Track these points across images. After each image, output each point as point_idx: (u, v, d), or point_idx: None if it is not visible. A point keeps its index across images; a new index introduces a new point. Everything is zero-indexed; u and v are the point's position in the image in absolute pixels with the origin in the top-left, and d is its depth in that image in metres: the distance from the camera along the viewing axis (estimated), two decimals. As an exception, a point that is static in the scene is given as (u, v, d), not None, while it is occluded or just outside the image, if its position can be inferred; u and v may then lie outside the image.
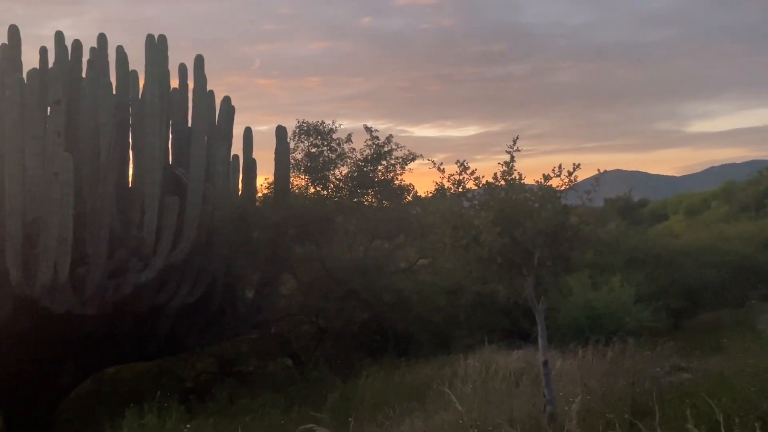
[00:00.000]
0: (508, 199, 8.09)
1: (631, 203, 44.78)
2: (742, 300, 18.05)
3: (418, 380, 11.80)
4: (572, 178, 8.39)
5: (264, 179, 17.03)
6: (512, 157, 8.39)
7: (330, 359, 16.04)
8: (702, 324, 19.28)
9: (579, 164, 8.29)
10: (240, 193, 16.21)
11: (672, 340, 12.47)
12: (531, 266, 8.02)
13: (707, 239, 24.19)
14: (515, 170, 8.42)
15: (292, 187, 17.08)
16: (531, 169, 8.63)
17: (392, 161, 17.82)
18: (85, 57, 14.45)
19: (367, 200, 18.11)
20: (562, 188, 8.44)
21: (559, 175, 8.40)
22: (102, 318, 13.13)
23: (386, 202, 18.14)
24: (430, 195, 17.44)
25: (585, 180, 8.69)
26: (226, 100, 16.15)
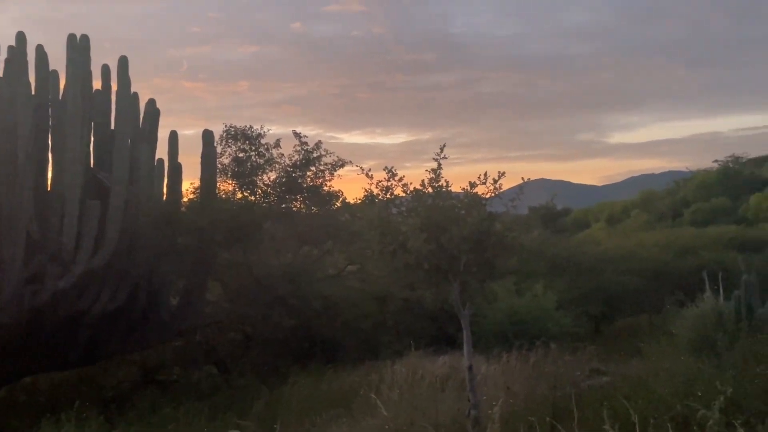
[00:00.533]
0: (435, 206, 8.18)
1: (554, 211, 45.99)
2: (659, 305, 18.69)
3: (346, 386, 11.81)
4: (497, 186, 8.54)
5: (190, 184, 16.77)
6: (439, 165, 8.49)
7: (257, 366, 15.88)
8: (621, 329, 19.94)
9: (504, 172, 8.45)
10: (165, 197, 15.90)
11: (592, 345, 12.82)
12: (457, 272, 8.13)
13: (627, 247, 25.02)
14: (442, 177, 8.53)
15: (219, 192, 16.86)
16: (459, 177, 8.77)
17: (321, 167, 17.78)
18: (3, 56, 13.93)
19: (295, 206, 18.02)
20: (488, 196, 8.58)
21: (484, 183, 8.54)
22: (18, 325, 12.67)
23: (315, 208, 18.09)
24: (359, 201, 17.48)
25: (510, 188, 8.87)
26: (151, 102, 15.83)
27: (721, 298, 11.65)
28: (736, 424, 5.31)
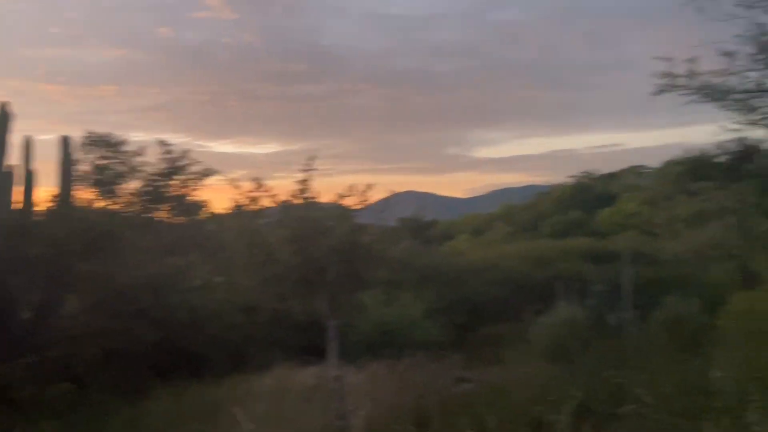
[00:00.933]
0: (304, 218, 8.21)
1: (422, 223, 46.90)
2: (520, 314, 19.52)
3: (211, 401, 11.55)
4: (365, 197, 8.67)
5: (46, 192, 15.91)
6: (308, 176, 8.52)
7: (117, 382, 15.21)
8: (484, 337, 20.58)
9: (371, 185, 8.61)
10: (17, 205, 15.00)
11: (457, 353, 13.21)
12: (325, 283, 8.18)
13: (490, 258, 25.94)
14: (311, 189, 8.57)
15: (78, 201, 16.09)
16: (330, 188, 8.84)
17: (188, 176, 17.38)
18: None
19: (160, 215, 17.50)
20: (356, 207, 8.70)
21: (353, 195, 8.65)
22: None
23: (181, 218, 17.64)
24: (227, 212, 17.22)
25: (381, 200, 9.02)
26: (4, 105, 14.91)
27: (575, 306, 12.35)
28: (585, 427, 5.63)
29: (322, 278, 8.12)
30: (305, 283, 8.18)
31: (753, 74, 6.78)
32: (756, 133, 7.26)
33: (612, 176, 55.47)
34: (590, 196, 51.08)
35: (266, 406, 8.93)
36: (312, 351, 15.67)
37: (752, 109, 7.11)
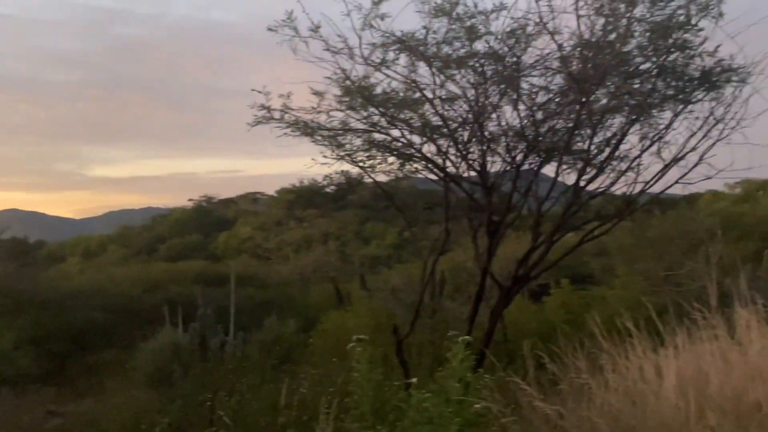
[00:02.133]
0: None
1: (25, 245, 42.93)
2: (128, 340, 18.86)
3: None
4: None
5: None
6: None
7: None
8: (87, 366, 19.49)
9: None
10: None
11: (54, 385, 12.36)
12: None
13: (99, 282, 24.77)
14: None
15: None
16: None
17: None
18: None
19: None
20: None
21: None
22: None
23: None
24: None
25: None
26: None
27: (180, 330, 12.32)
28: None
29: None
30: None
31: (339, 114, 7.48)
32: (346, 167, 7.99)
33: (230, 201, 56.81)
34: (209, 220, 51.68)
35: None
36: None
37: (340, 146, 7.83)
